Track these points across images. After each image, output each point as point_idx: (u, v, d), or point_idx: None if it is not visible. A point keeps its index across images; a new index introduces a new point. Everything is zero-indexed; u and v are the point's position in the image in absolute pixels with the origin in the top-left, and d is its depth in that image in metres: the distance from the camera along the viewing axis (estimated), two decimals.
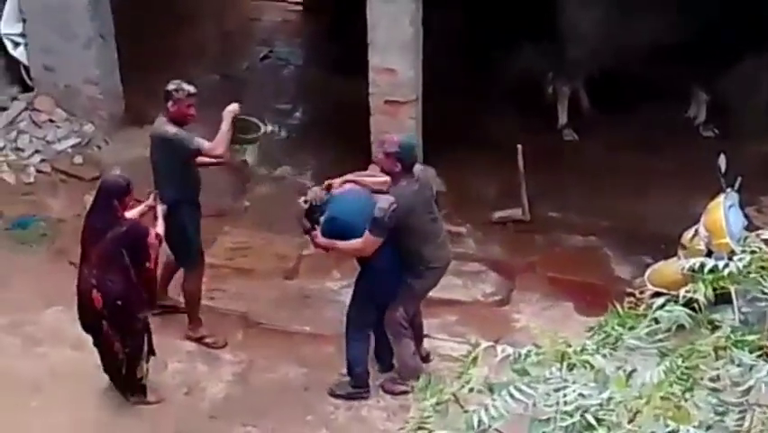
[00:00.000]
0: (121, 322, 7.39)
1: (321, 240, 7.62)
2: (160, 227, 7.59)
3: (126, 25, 11.05)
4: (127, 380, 7.68)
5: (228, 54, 13.08)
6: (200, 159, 8.02)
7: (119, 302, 7.31)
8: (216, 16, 13.94)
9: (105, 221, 7.33)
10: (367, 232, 7.33)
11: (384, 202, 7.30)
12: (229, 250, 9.39)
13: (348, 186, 7.81)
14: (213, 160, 8.10)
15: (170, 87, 7.93)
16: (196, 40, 13.04)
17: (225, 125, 7.92)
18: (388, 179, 7.55)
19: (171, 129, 7.81)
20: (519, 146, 9.67)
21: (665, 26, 10.10)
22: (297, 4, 14.22)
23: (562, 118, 11.20)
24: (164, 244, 7.77)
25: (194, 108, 7.95)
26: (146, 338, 7.60)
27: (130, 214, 7.54)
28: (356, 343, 7.86)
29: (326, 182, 7.87)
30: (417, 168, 7.53)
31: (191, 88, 7.96)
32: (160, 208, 7.76)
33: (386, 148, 7.43)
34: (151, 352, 7.76)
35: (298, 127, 11.59)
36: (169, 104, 7.88)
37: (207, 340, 8.36)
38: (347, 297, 8.14)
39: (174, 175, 7.94)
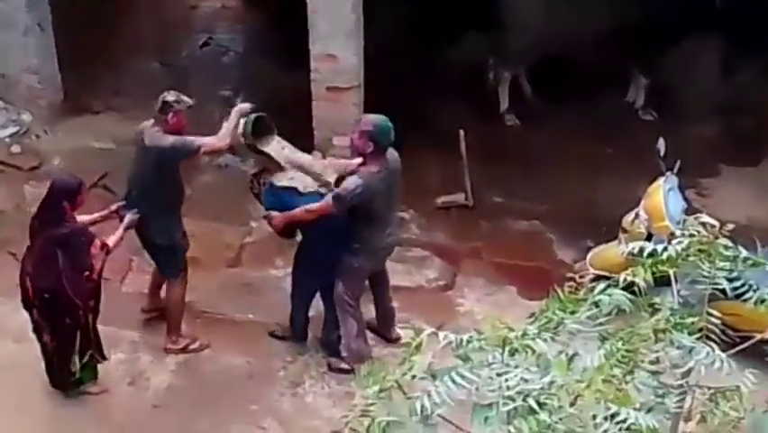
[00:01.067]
0: (49, 316, 7.36)
1: (278, 218, 7.66)
2: (113, 238, 7.50)
3: (64, 14, 10.93)
4: (60, 373, 7.60)
5: (168, 42, 12.98)
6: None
7: (46, 296, 7.27)
8: (155, 4, 13.81)
9: (50, 219, 7.26)
10: (329, 200, 7.39)
11: (351, 182, 7.34)
12: None
13: None
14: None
15: (170, 98, 7.61)
16: (135, 28, 12.92)
17: (232, 122, 7.72)
18: (354, 162, 7.65)
19: (168, 138, 7.56)
20: (461, 131, 9.71)
21: (603, 12, 10.16)
22: None
23: (504, 103, 11.25)
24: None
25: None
26: (81, 337, 7.48)
27: (87, 218, 7.48)
28: (297, 306, 8.11)
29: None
30: (391, 154, 7.54)
31: (190, 100, 7.74)
32: (128, 218, 7.67)
33: (360, 126, 7.47)
34: (102, 356, 7.73)
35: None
36: (169, 116, 7.58)
37: (192, 347, 8.23)
38: (289, 284, 8.17)
39: (165, 184, 7.76)
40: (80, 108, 11.07)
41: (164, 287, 8.30)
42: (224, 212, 9.72)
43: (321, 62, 9.72)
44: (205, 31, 13.28)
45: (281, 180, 7.73)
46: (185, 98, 7.69)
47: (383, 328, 8.21)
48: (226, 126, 7.76)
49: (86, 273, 7.30)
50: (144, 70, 11.92)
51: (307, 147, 9.81)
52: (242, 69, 12.61)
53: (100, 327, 7.64)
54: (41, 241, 7.26)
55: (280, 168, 7.78)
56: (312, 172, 7.79)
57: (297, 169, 7.78)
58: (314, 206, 7.51)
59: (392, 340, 8.17)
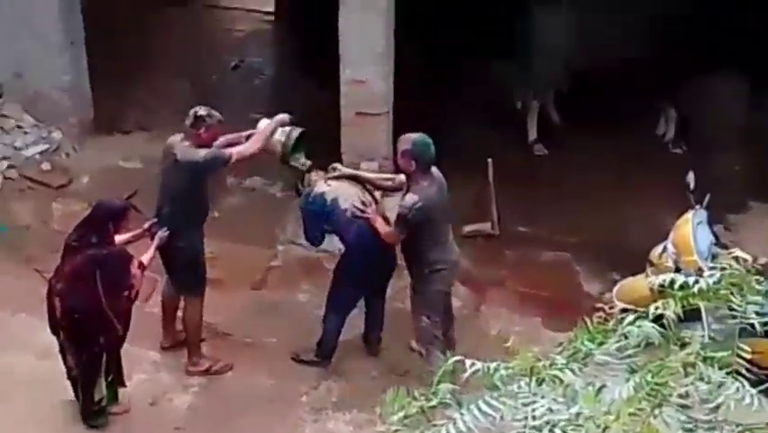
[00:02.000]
0: (76, 338, 7.33)
1: (372, 216, 7.75)
2: (146, 256, 7.51)
3: (97, 32, 11.00)
4: (84, 400, 7.55)
5: (199, 62, 13.04)
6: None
7: (77, 316, 7.24)
8: (188, 25, 13.90)
9: (92, 240, 7.23)
10: (393, 226, 7.54)
11: (408, 200, 7.39)
12: None
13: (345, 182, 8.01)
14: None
15: (202, 112, 7.67)
16: (168, 48, 13.01)
17: (268, 128, 7.90)
18: (394, 177, 7.91)
19: (200, 151, 7.62)
20: (489, 160, 9.69)
21: (631, 41, 10.17)
22: (269, 14, 14.19)
23: (532, 133, 11.24)
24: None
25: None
26: (106, 363, 7.46)
27: (120, 238, 7.48)
28: (332, 320, 8.09)
29: (332, 166, 8.11)
30: (435, 170, 7.59)
31: (219, 115, 7.79)
32: (159, 236, 7.67)
33: (401, 146, 7.51)
34: (121, 383, 7.71)
35: None
36: (201, 130, 7.64)
37: (215, 368, 8.22)
38: (315, 308, 8.16)
39: (192, 199, 7.80)
40: (110, 127, 11.13)
41: (178, 317, 8.31)
42: (251, 234, 9.72)
43: (351, 87, 9.74)
44: (237, 53, 13.36)
45: (322, 188, 7.90)
46: (215, 113, 7.73)
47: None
48: (258, 132, 7.81)
49: (127, 293, 7.29)
50: (175, 91, 11.97)
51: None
52: (272, 92, 12.66)
53: (123, 347, 7.64)
54: (80, 261, 7.22)
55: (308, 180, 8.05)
56: (365, 179, 8.09)
57: (346, 179, 8.01)
58: (385, 228, 7.66)
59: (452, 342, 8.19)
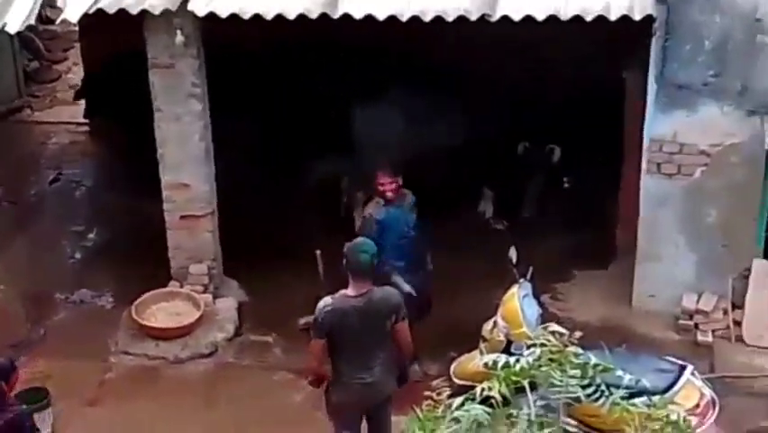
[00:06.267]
0: None
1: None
2: None
3: None
4: None
5: (16, 180, 12.75)
6: None
7: None
8: (1, 142, 13.62)
9: None
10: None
11: (321, 302, 7.19)
12: (25, 382, 8.99)
13: None
14: None
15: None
16: None
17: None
18: None
19: None
20: (318, 252, 9.71)
21: (448, 130, 10.60)
22: (82, 125, 14.01)
23: (358, 222, 11.35)
24: None
25: None
26: None
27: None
28: None
29: None
30: (383, 290, 7.33)
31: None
32: None
33: None
34: None
35: (94, 249, 11.34)
36: None
37: None
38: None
39: None
40: None
41: None
42: (82, 349, 9.48)
43: (173, 191, 9.70)
44: (54, 167, 13.15)
45: None
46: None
47: None
48: None
49: None
50: None
51: (164, 277, 9.78)
52: (93, 203, 12.46)
53: None
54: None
55: None
56: None
57: None
58: (310, 349, 7.33)
59: None
